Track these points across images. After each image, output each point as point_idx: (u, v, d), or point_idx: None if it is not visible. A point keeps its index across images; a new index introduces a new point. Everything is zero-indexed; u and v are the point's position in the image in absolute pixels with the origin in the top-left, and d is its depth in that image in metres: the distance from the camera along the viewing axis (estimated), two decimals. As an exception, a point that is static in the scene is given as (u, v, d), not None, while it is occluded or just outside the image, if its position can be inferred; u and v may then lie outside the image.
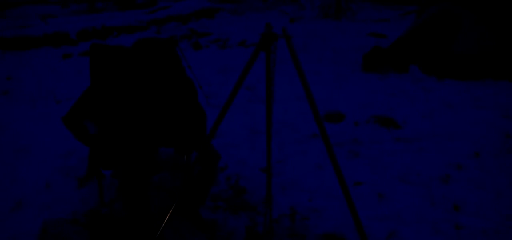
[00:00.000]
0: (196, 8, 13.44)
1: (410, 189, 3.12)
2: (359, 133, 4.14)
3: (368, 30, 9.44)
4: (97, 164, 2.36)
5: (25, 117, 4.79)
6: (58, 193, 3.09)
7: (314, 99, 2.20)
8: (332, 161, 2.26)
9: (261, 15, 13.28)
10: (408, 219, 2.74)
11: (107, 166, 2.34)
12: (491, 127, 4.14)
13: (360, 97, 5.15)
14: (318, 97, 5.01)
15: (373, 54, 6.34)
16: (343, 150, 3.77)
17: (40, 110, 5.08)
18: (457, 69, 5.70)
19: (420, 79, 5.76)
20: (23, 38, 9.58)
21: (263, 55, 2.14)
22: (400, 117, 4.47)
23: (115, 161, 2.25)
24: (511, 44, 5.67)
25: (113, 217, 2.72)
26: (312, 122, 4.31)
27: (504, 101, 4.86)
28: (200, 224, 2.63)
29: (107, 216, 2.74)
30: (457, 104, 4.83)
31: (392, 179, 3.26)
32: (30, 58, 8.50)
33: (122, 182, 2.31)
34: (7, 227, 2.70)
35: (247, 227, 2.69)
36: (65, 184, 3.22)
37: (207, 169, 2.46)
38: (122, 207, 2.68)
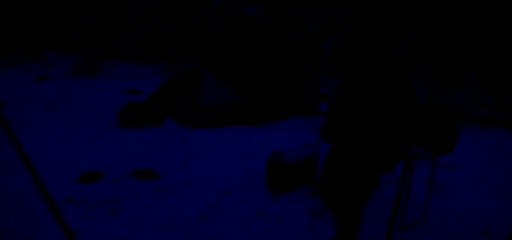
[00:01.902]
0: None
1: (171, 236, 3.22)
2: (119, 189, 4.06)
3: (124, 87, 9.52)
4: None
5: None
6: None
7: (32, 165, 1.96)
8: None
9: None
10: (170, 265, 2.82)
11: None
12: (235, 166, 4.77)
13: (118, 153, 5.08)
14: (72, 158, 4.71)
15: (128, 110, 6.42)
16: (103, 210, 3.61)
17: None
18: (205, 118, 6.39)
19: (175, 130, 6.16)
20: None
21: None
22: (159, 168, 4.62)
23: None
24: (243, 96, 6.77)
25: None
26: (67, 186, 4.01)
27: (241, 142, 5.71)
28: None
29: None
30: (208, 149, 5.37)
31: (154, 229, 3.30)
32: None
33: None
34: None
35: None
36: None
37: None
38: None
